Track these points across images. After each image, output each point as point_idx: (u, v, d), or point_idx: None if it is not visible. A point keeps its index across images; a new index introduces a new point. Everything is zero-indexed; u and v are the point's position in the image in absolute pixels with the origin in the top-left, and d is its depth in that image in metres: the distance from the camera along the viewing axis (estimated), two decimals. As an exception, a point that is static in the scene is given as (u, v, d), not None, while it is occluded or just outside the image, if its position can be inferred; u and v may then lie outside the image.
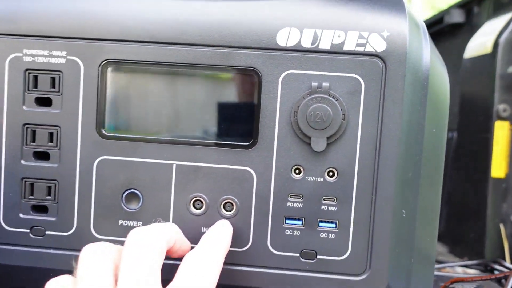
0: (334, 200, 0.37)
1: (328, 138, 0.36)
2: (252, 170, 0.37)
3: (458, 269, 0.70)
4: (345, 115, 0.36)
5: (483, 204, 0.77)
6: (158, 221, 0.37)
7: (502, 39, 0.75)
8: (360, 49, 0.36)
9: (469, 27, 0.93)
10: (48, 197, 0.38)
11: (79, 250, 0.38)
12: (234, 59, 0.36)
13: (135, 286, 0.29)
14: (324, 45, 0.36)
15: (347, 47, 0.36)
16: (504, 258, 0.72)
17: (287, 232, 0.37)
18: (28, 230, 0.38)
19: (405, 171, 0.36)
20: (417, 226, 0.38)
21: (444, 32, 0.99)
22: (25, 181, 0.38)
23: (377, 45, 0.35)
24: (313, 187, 0.37)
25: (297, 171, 0.37)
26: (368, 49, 0.35)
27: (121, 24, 0.37)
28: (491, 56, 0.76)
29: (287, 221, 0.37)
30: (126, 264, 0.30)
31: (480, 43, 0.81)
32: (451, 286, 0.50)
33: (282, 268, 0.37)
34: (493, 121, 0.75)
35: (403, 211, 0.37)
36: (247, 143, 0.37)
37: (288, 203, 0.37)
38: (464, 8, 0.95)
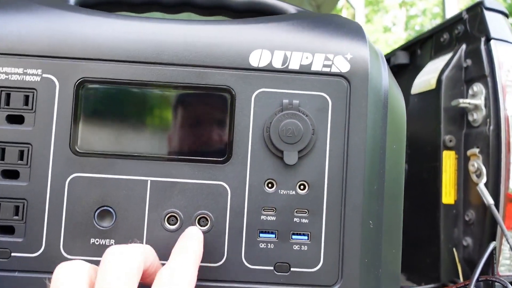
0: (306, 212, 0.38)
1: (299, 152, 0.37)
2: (226, 185, 0.38)
3: (416, 294, 0.72)
4: (314, 130, 0.38)
5: (436, 230, 0.80)
6: (134, 242, 0.37)
7: (444, 76, 0.82)
8: (327, 69, 0.38)
9: (413, 67, 1.00)
10: (15, 217, 0.37)
11: (46, 272, 0.37)
12: (209, 78, 0.38)
13: None
14: (294, 65, 0.38)
15: (315, 67, 0.38)
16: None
17: (261, 245, 0.38)
18: None
19: (371, 183, 0.39)
20: (383, 237, 0.40)
21: (392, 72, 1.06)
22: None
23: (342, 66, 0.38)
24: (286, 200, 0.38)
25: (270, 184, 0.38)
26: (334, 69, 0.38)
27: (97, 43, 0.38)
28: (436, 92, 0.83)
29: (261, 235, 0.38)
30: (102, 282, 0.29)
31: (425, 80, 0.88)
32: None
33: (257, 282, 0.37)
34: (441, 151, 0.81)
35: (370, 222, 0.39)
36: (222, 158, 0.38)
37: (262, 217, 0.38)
38: (408, 51, 1.03)
